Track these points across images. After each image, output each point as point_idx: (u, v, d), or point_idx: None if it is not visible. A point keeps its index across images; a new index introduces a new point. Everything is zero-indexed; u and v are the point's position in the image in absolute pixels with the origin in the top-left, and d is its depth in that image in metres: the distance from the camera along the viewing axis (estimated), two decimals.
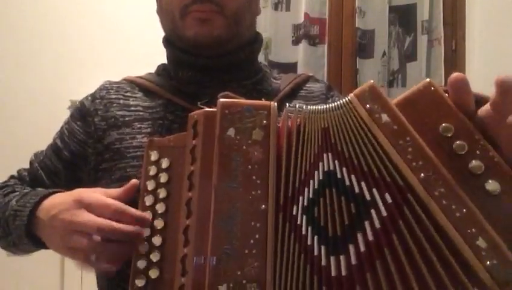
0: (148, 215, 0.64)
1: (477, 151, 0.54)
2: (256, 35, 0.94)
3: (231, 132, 0.59)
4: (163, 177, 0.65)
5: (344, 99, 0.60)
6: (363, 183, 0.56)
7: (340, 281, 0.54)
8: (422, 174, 0.54)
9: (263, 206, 0.56)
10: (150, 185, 0.65)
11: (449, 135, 0.55)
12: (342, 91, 2.06)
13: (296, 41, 2.09)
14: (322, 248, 0.55)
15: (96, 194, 0.68)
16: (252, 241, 0.55)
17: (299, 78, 0.94)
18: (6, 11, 2.13)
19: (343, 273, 0.54)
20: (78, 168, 0.88)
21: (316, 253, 0.55)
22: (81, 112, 0.89)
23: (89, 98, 0.90)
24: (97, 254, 0.64)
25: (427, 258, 0.53)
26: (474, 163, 0.54)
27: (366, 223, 0.55)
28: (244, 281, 0.54)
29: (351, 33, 2.09)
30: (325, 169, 0.57)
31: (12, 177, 0.92)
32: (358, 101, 0.58)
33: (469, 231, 0.52)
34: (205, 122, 0.62)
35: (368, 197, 0.55)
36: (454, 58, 2.11)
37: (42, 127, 1.92)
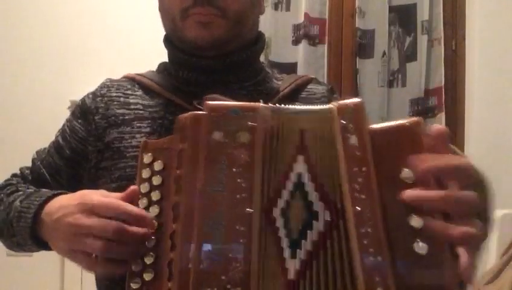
0: (150, 215, 0.63)
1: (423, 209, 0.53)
2: (258, 35, 0.93)
3: (217, 135, 0.58)
4: (157, 180, 0.64)
5: (326, 106, 0.59)
6: (315, 194, 0.56)
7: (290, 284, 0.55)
8: (358, 208, 0.54)
9: (248, 209, 0.56)
10: (144, 188, 0.64)
11: (408, 182, 0.54)
12: (342, 91, 2.06)
13: (296, 41, 2.09)
14: (287, 250, 0.56)
15: (98, 196, 0.67)
16: (236, 245, 0.55)
17: (301, 79, 0.93)
18: (7, 11, 2.13)
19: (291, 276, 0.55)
20: (79, 166, 0.88)
21: (286, 255, 0.56)
22: (82, 110, 0.89)
23: (90, 96, 0.90)
24: (105, 255, 0.64)
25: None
26: (415, 218, 0.53)
27: (308, 233, 0.56)
28: (228, 286, 0.54)
29: (351, 33, 2.09)
30: (298, 171, 0.58)
31: (14, 175, 0.92)
32: (338, 113, 0.58)
33: (376, 278, 0.52)
34: (192, 125, 0.61)
35: (315, 208, 0.56)
36: (454, 58, 2.11)
37: (42, 127, 1.92)
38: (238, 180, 0.57)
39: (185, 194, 0.59)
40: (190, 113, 0.62)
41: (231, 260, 0.55)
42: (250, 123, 0.59)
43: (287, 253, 0.56)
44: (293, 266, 0.55)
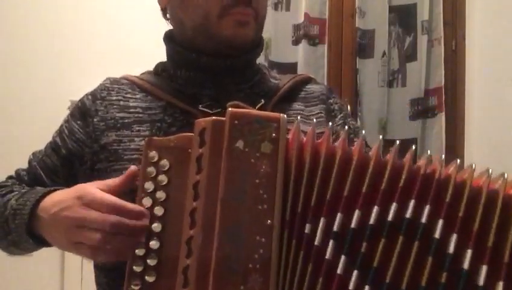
0: (145, 209, 0.64)
1: None
2: (260, 38, 0.94)
3: (240, 143, 0.58)
4: (162, 179, 0.64)
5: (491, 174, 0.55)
6: (483, 267, 0.51)
7: None
8: None
9: (269, 221, 0.55)
10: (148, 186, 0.64)
11: None
12: (342, 91, 2.06)
13: (296, 42, 2.09)
14: (366, 287, 0.53)
15: (95, 190, 0.68)
16: (256, 255, 0.55)
17: (299, 77, 0.93)
18: (6, 11, 2.12)
19: None
20: (74, 167, 0.88)
21: (351, 287, 0.53)
22: (82, 111, 0.89)
23: (90, 97, 0.90)
24: (105, 246, 0.64)
25: None
26: None
27: None
28: None
29: (351, 33, 2.09)
30: (406, 215, 0.54)
31: (10, 177, 0.92)
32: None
33: None
34: (213, 131, 0.60)
35: (480, 282, 0.51)
36: (454, 58, 2.11)
37: (42, 127, 1.91)
38: (260, 191, 0.56)
39: (205, 201, 0.58)
40: (210, 118, 0.61)
41: (250, 270, 0.54)
42: (273, 134, 0.58)
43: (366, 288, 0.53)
44: None
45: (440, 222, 0.53)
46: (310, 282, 0.54)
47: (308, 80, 0.94)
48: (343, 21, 2.11)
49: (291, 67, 2.04)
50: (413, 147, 0.58)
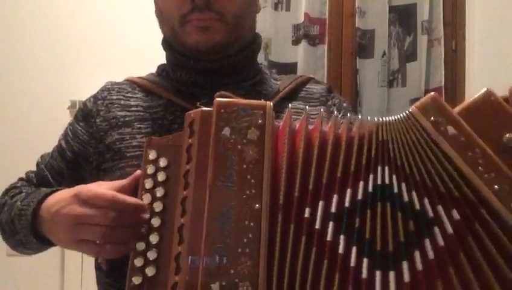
0: (143, 202, 0.64)
1: None
2: (255, 35, 0.93)
3: (226, 131, 0.59)
4: (161, 176, 0.65)
5: (405, 113, 0.58)
6: (426, 200, 0.54)
7: None
8: (496, 186, 0.52)
9: (257, 205, 0.56)
10: (148, 184, 0.65)
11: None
12: (342, 91, 2.06)
13: (296, 42, 2.09)
14: (365, 260, 0.54)
15: (93, 187, 0.69)
16: (245, 240, 0.56)
17: (299, 79, 0.93)
18: (6, 11, 2.12)
19: (392, 289, 0.53)
20: (81, 168, 0.89)
21: (352, 264, 0.54)
22: (84, 113, 0.91)
23: (91, 99, 0.92)
24: (106, 240, 0.65)
25: (503, 278, 0.51)
26: None
27: (427, 241, 0.53)
28: (236, 280, 0.55)
29: (351, 33, 2.09)
30: (378, 182, 0.56)
31: (21, 179, 0.94)
32: (421, 114, 0.57)
33: None
34: (201, 121, 0.62)
35: (430, 214, 0.54)
36: (454, 58, 2.11)
37: (42, 127, 1.92)
38: (248, 176, 0.58)
39: (194, 189, 0.60)
40: (199, 109, 0.63)
41: (240, 254, 0.55)
42: (259, 121, 0.59)
43: (364, 263, 0.54)
44: (389, 277, 0.53)
45: (403, 185, 0.56)
46: (315, 265, 0.55)
47: (308, 80, 0.95)
48: (343, 21, 2.11)
49: (291, 67, 2.04)
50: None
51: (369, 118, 0.60)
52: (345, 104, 0.95)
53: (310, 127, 0.61)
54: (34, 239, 0.77)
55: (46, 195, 0.76)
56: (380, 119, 0.59)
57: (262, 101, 0.62)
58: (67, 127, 0.93)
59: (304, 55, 2.05)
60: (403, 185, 0.55)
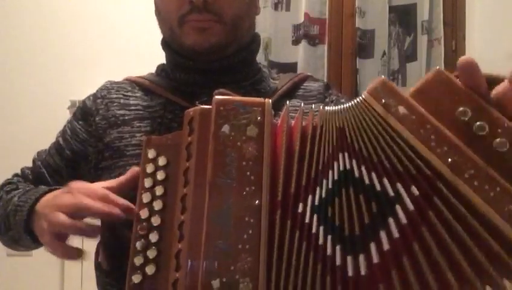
0: (132, 205, 0.65)
1: (499, 130, 0.53)
2: (254, 35, 0.94)
3: (226, 128, 0.59)
4: (160, 175, 0.65)
5: (358, 99, 0.59)
6: (385, 180, 0.55)
7: (357, 280, 0.54)
8: (449, 159, 0.53)
9: (257, 201, 0.57)
10: (147, 183, 0.65)
11: (466, 119, 0.54)
12: (342, 91, 2.06)
13: (296, 41, 2.09)
14: (337, 247, 0.55)
15: (85, 184, 0.69)
16: (245, 236, 0.56)
17: (297, 77, 0.94)
18: (7, 12, 2.13)
19: (363, 272, 0.54)
20: (79, 167, 0.89)
21: (329, 252, 0.55)
22: (83, 112, 0.91)
23: (91, 97, 0.92)
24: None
25: (463, 246, 0.52)
26: (499, 141, 0.52)
27: (390, 220, 0.54)
28: (237, 276, 0.55)
29: (351, 33, 2.09)
30: (341, 168, 0.57)
31: (16, 175, 0.93)
32: (373, 98, 0.58)
33: (506, 208, 0.51)
34: (201, 119, 0.62)
35: (391, 193, 0.55)
36: (454, 58, 2.11)
37: (42, 127, 1.92)
38: (247, 173, 0.58)
39: (194, 186, 0.60)
40: (198, 107, 0.63)
41: (240, 251, 0.55)
42: (258, 118, 0.60)
43: (337, 250, 0.55)
44: (359, 261, 0.54)
45: (363, 168, 0.57)
46: (305, 260, 0.55)
47: (305, 78, 0.95)
48: (343, 21, 2.11)
49: (291, 67, 2.04)
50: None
51: (326, 107, 0.61)
52: (342, 100, 0.95)
53: (304, 123, 0.62)
54: (28, 236, 0.76)
55: (44, 193, 0.76)
56: (336, 107, 0.60)
57: (261, 99, 0.62)
58: (65, 125, 0.93)
59: (304, 55, 2.06)
60: (363, 168, 0.56)
